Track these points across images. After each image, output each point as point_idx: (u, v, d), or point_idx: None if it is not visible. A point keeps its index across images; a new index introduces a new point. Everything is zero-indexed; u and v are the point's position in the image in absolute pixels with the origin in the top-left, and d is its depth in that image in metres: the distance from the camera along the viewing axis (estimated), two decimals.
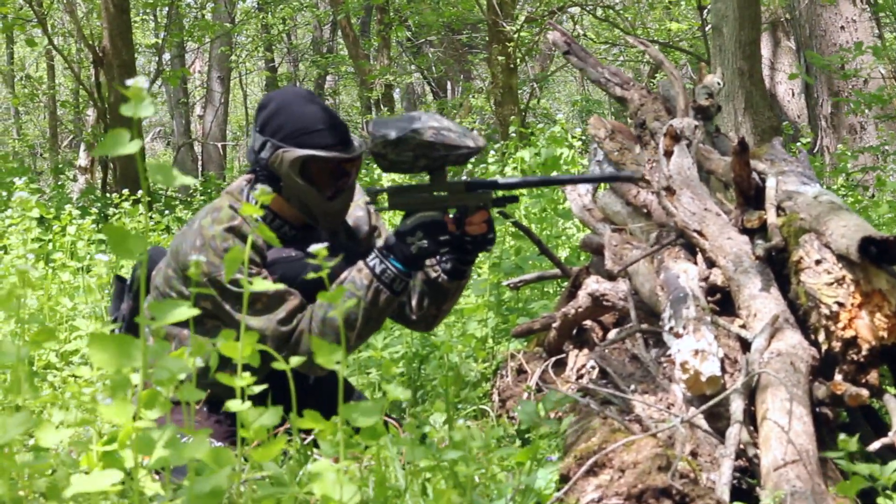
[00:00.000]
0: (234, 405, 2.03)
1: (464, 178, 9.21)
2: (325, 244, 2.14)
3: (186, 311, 1.83)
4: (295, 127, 3.36)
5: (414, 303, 3.62)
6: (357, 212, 3.68)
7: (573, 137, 9.85)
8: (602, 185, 5.06)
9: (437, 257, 3.43)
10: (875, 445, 2.67)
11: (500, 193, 3.36)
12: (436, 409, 3.25)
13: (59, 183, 14.94)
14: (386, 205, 3.40)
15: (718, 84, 4.13)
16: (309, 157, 3.35)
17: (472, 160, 9.82)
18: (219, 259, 3.27)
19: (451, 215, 3.33)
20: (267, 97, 3.52)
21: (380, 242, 3.49)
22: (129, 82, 1.72)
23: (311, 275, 2.13)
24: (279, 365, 2.10)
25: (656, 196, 3.70)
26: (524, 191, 6.45)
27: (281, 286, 3.29)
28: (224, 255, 3.23)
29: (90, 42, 13.97)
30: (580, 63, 4.70)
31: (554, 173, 8.49)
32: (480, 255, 3.73)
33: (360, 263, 3.34)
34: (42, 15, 14.12)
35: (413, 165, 3.27)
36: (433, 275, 3.53)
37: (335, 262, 2.19)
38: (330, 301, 2.05)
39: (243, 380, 2.07)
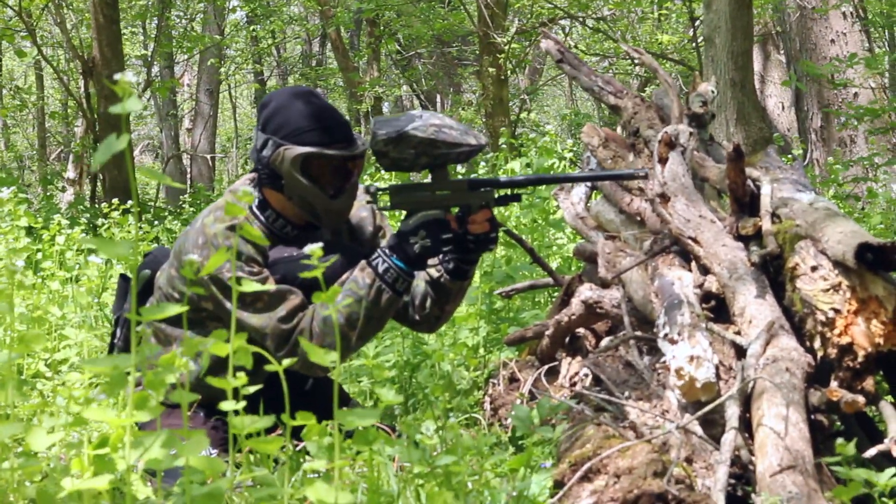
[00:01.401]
0: (227, 406, 2.01)
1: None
2: (321, 244, 2.12)
3: (176, 309, 1.82)
4: (296, 124, 3.35)
5: (417, 303, 3.60)
6: (361, 212, 3.67)
7: (564, 150, 9.87)
8: (595, 192, 5.05)
9: (440, 257, 3.42)
10: (871, 452, 2.65)
11: (502, 192, 3.35)
12: (427, 416, 3.23)
13: (48, 194, 14.87)
14: (387, 203, 3.39)
15: (713, 92, 4.11)
16: (310, 154, 3.33)
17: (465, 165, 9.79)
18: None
19: (453, 214, 3.32)
20: (268, 96, 3.51)
21: (384, 242, 3.48)
22: (116, 76, 1.70)
23: (306, 274, 2.11)
24: (273, 367, 2.07)
25: (650, 203, 3.69)
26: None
27: (283, 285, 3.28)
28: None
29: (80, 53, 13.93)
30: (573, 71, 4.68)
31: None
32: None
33: (363, 263, 3.32)
34: (31, 25, 14.08)
35: (414, 163, 3.26)
36: (436, 275, 3.52)
37: (331, 262, 2.17)
38: (326, 301, 2.04)
39: (235, 381, 2.05)
